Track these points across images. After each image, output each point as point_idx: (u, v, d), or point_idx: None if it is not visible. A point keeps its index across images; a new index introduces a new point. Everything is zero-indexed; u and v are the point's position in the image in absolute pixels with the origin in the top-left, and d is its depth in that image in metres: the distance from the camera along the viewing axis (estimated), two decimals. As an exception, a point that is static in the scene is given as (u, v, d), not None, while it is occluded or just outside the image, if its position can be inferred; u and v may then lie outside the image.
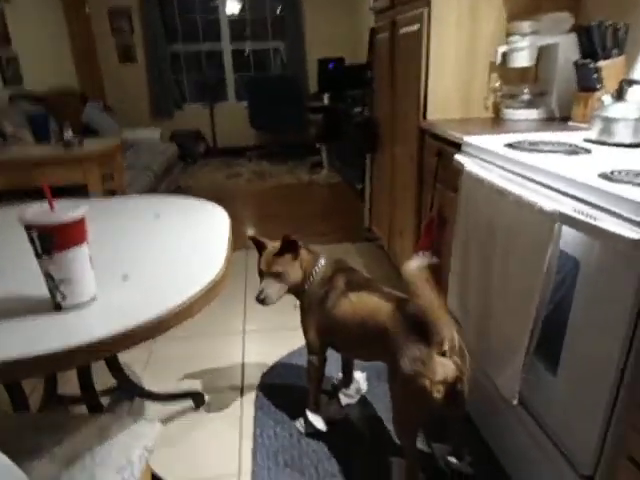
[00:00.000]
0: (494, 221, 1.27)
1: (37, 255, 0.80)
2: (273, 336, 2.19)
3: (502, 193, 1.21)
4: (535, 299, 1.11)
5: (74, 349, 0.74)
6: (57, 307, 0.83)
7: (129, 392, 1.69)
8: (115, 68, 5.87)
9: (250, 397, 1.80)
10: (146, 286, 0.95)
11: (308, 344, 1.53)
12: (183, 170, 5.24)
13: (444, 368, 1.15)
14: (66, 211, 0.80)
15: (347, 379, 1.78)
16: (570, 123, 1.74)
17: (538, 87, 1.92)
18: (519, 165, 1.25)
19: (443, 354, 1.16)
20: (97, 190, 2.34)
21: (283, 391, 1.81)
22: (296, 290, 1.51)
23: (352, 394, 1.77)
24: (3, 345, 0.76)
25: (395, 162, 2.47)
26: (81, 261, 0.82)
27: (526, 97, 1.92)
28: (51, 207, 0.81)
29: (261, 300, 1.45)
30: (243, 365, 1.99)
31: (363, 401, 1.75)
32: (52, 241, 0.78)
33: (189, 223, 1.29)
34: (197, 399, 1.74)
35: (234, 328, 2.28)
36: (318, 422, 1.58)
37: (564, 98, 1.86)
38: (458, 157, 1.53)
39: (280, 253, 1.46)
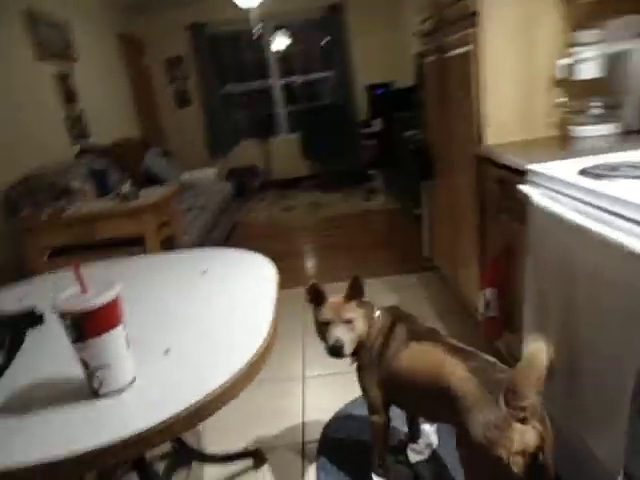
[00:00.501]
0: (574, 264, 1.11)
1: (71, 341, 0.76)
2: (334, 382, 2.08)
3: (581, 231, 1.05)
4: (637, 355, 0.93)
5: (106, 447, 0.69)
6: (95, 393, 0.79)
7: (185, 456, 1.63)
8: (173, 114, 6.17)
9: (312, 453, 1.69)
10: (187, 362, 0.89)
11: (369, 404, 1.41)
12: (240, 206, 5.34)
13: (523, 436, 0.99)
14: (98, 294, 0.76)
15: (414, 433, 1.63)
16: (654, 137, 1.54)
17: (610, 99, 1.73)
18: (598, 197, 1.09)
19: (521, 420, 1.00)
20: (153, 239, 2.38)
21: (346, 447, 1.69)
22: (357, 344, 1.40)
23: (421, 449, 1.62)
24: (35, 442, 0.72)
25: (452, 189, 2.32)
26: (115, 346, 0.77)
27: (596, 111, 1.73)
28: (83, 289, 0.77)
29: (337, 349, 1.32)
30: (303, 416, 1.90)
31: (434, 457, 1.59)
32: (83, 327, 0.74)
33: (235, 280, 1.24)
34: (258, 458, 1.66)
35: (293, 373, 2.20)
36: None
37: (642, 108, 1.66)
38: (523, 188, 1.38)
39: (349, 298, 1.38)
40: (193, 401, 0.76)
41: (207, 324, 1.02)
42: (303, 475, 1.60)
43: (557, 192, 1.26)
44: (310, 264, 3.73)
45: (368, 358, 1.37)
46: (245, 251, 1.45)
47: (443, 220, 2.56)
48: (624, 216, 1.00)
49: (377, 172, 5.31)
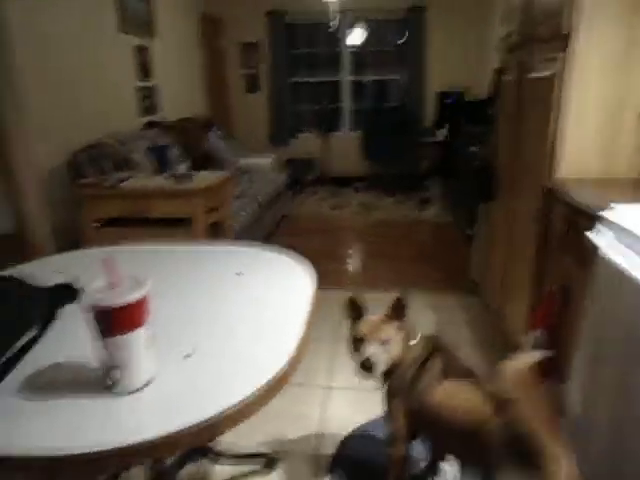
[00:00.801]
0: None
1: (91, 335, 0.75)
2: (357, 397, 2.02)
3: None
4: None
5: (100, 452, 0.67)
6: (108, 389, 0.77)
7: (195, 452, 1.63)
8: (241, 98, 6.24)
9: (323, 465, 1.65)
10: (207, 370, 0.86)
11: (391, 433, 1.35)
12: (291, 198, 5.34)
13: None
14: (126, 291, 0.73)
15: (434, 469, 1.55)
16: None
17: None
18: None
19: None
20: (201, 222, 2.40)
21: (360, 467, 1.64)
22: (388, 368, 1.34)
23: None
24: (42, 431, 0.71)
25: (513, 217, 2.19)
26: (135, 346, 0.75)
27: (689, 158, 1.56)
28: (113, 284, 0.76)
29: (368, 366, 1.27)
30: (321, 426, 1.85)
31: (450, 498, 1.51)
32: (105, 324, 0.72)
33: (271, 287, 1.20)
34: (269, 462, 1.64)
35: (317, 380, 2.16)
36: None
37: None
38: (592, 236, 1.26)
39: (389, 317, 1.33)
40: (206, 416, 0.73)
41: (234, 331, 0.99)
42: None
43: (628, 246, 1.13)
44: (351, 268, 3.67)
45: (399, 384, 1.31)
46: (287, 253, 1.41)
47: (497, 245, 2.42)
48: None
49: (434, 182, 5.14)
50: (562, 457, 0.91)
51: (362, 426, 1.83)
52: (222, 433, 0.76)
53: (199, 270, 1.29)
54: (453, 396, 1.19)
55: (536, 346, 1.66)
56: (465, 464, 1.29)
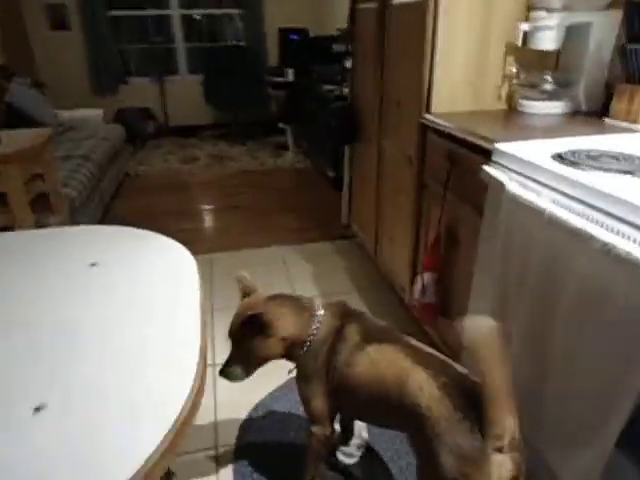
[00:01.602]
0: (559, 268, 0.96)
1: None
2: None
3: (575, 233, 0.90)
4: (633, 381, 0.82)
5: None
6: None
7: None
8: (46, 37, 5.13)
9: (228, 458, 1.46)
10: (71, 426, 0.58)
11: (311, 414, 1.20)
12: (132, 154, 4.69)
13: (500, 469, 0.84)
14: None
15: (347, 434, 1.48)
16: (608, 120, 1.45)
17: (562, 75, 1.61)
18: (586, 191, 0.94)
19: (499, 449, 0.86)
20: (19, 198, 1.87)
21: (266, 450, 1.49)
22: (289, 355, 1.17)
23: (352, 452, 1.47)
24: None
25: (385, 158, 2.13)
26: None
27: (548, 87, 1.61)
28: None
29: (225, 376, 1.18)
30: (216, 415, 1.65)
31: (367, 458, 1.46)
32: None
33: (138, 279, 0.91)
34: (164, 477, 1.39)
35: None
36: None
37: (592, 89, 1.57)
38: (490, 170, 1.21)
39: (245, 329, 1.14)
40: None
41: (102, 357, 0.70)
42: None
43: (528, 178, 1.10)
44: (213, 227, 3.37)
45: (312, 368, 1.15)
46: (147, 233, 1.11)
47: (368, 189, 2.37)
48: (615, 215, 0.87)
49: (288, 126, 4.96)
50: (509, 425, 0.86)
51: (260, 403, 1.67)
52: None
53: (34, 268, 0.93)
54: (379, 364, 1.06)
55: (425, 290, 1.64)
56: (393, 430, 1.20)
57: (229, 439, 1.54)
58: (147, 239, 1.08)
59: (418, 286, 1.67)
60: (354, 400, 1.12)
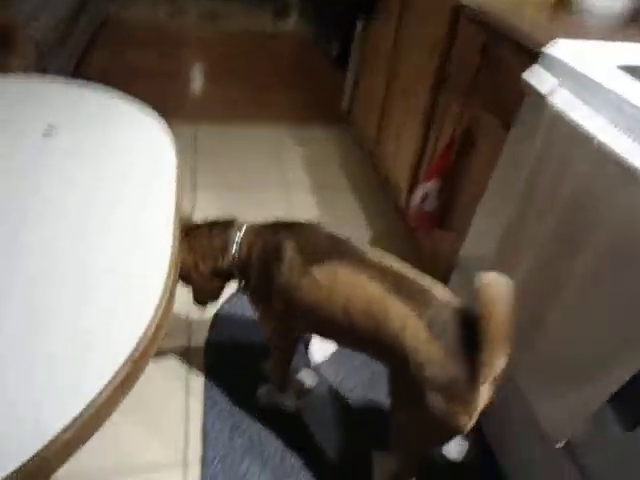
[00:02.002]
0: (597, 209, 0.83)
1: None
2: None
3: (630, 173, 0.76)
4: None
5: None
6: None
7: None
8: None
9: (197, 359, 1.43)
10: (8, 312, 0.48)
11: (269, 339, 1.16)
12: (112, -4, 4.10)
13: (483, 399, 0.81)
14: None
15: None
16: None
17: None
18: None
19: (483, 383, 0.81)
20: None
21: (237, 348, 1.45)
22: (230, 278, 1.11)
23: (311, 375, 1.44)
24: None
25: (403, 40, 1.85)
26: None
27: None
28: None
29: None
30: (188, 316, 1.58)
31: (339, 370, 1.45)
32: None
33: (101, 153, 0.75)
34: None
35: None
36: (287, 400, 1.27)
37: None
38: (532, 78, 1.01)
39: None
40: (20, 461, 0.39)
41: (49, 265, 0.57)
42: (187, 389, 1.34)
43: (583, 95, 0.92)
44: (201, 93, 3.06)
45: (254, 290, 1.07)
46: (121, 96, 0.92)
47: (379, 74, 2.11)
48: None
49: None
50: (501, 364, 0.78)
51: (225, 303, 1.60)
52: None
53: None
54: (333, 288, 0.91)
55: (426, 197, 1.52)
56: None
57: (199, 336, 1.50)
58: (119, 104, 0.90)
59: (419, 193, 1.54)
60: (314, 324, 1.01)
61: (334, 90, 2.85)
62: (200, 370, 1.38)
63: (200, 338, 1.48)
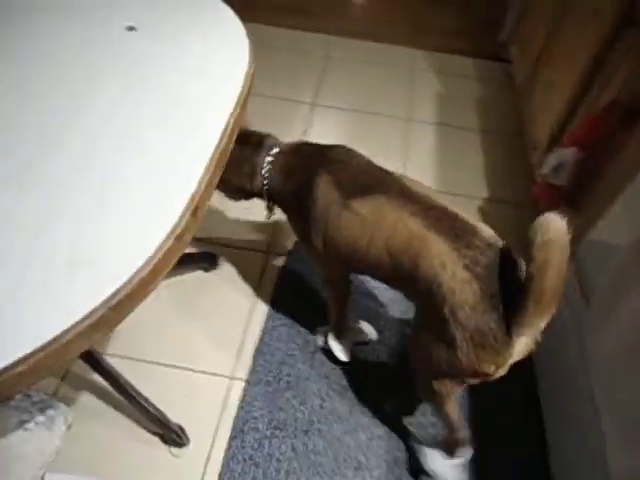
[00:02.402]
0: None
1: None
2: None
3: None
4: None
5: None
6: None
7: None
8: None
9: (269, 283, 1.44)
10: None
11: (321, 277, 1.14)
12: None
13: (518, 352, 0.77)
14: None
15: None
16: None
17: None
18: None
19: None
20: None
21: (311, 281, 1.43)
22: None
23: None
24: None
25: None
26: None
27: None
28: None
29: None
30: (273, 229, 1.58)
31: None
32: None
33: (182, 52, 0.73)
34: (209, 260, 1.43)
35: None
36: (340, 351, 1.24)
37: None
38: None
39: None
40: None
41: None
42: (254, 305, 1.38)
43: None
44: (340, 3, 2.82)
45: (292, 223, 1.05)
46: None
47: (545, 5, 1.73)
48: None
49: None
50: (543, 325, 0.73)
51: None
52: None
53: (60, 27, 0.76)
54: (375, 224, 0.87)
55: (558, 168, 1.26)
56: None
57: (279, 249, 1.51)
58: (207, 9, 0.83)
59: (552, 160, 1.28)
60: (355, 262, 0.95)
61: (497, 16, 2.44)
62: (268, 294, 1.40)
63: (278, 262, 1.49)
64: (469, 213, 0.84)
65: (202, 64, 0.73)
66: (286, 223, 1.09)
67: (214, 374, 1.24)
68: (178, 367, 1.24)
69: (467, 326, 0.76)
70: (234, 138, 0.68)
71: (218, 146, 0.63)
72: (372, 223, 0.87)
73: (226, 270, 1.45)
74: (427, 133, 1.96)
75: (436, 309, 0.80)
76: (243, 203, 1.15)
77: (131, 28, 0.76)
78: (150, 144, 0.62)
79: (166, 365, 1.24)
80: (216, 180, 0.63)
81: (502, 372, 0.80)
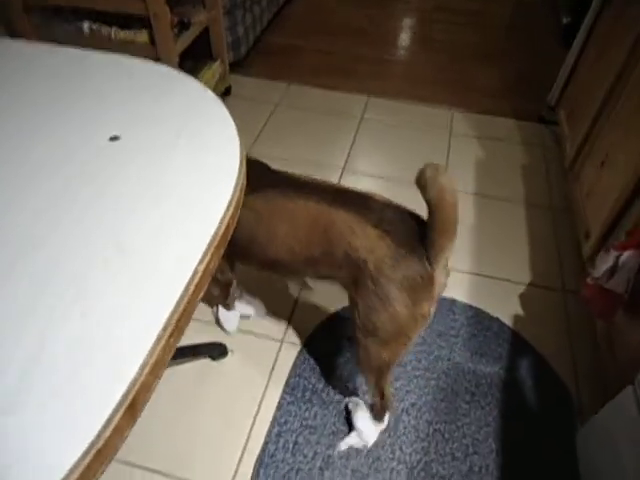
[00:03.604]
0: None
1: None
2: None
3: None
4: None
5: None
6: None
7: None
8: None
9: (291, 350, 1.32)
10: None
11: None
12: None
13: (440, 283, 0.85)
14: None
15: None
16: None
17: None
18: None
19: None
20: (163, 22, 1.58)
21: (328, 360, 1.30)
22: None
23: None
24: None
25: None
26: None
27: None
28: None
29: None
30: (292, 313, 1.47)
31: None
32: None
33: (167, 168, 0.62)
34: (216, 351, 1.32)
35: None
36: (227, 321, 1.35)
37: None
38: None
39: None
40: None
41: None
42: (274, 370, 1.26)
43: None
44: (380, 62, 2.76)
45: None
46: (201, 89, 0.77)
47: (603, 68, 1.57)
48: None
49: None
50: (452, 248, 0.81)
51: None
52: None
53: (35, 138, 0.68)
54: (270, 214, 0.92)
55: (613, 271, 1.08)
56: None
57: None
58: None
59: (606, 261, 1.10)
60: (261, 261, 1.01)
61: (547, 75, 2.29)
62: (278, 392, 1.26)
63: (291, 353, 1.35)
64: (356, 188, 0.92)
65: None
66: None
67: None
68: (169, 476, 1.11)
69: (395, 276, 0.82)
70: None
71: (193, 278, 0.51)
72: (269, 216, 0.92)
73: (235, 359, 1.33)
74: (465, 204, 1.81)
75: (363, 274, 0.85)
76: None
77: (114, 138, 0.68)
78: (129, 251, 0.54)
79: (153, 471, 1.11)
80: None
81: (434, 310, 0.87)
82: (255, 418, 1.21)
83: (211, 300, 1.40)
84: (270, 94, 2.34)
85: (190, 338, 1.33)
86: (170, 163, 0.64)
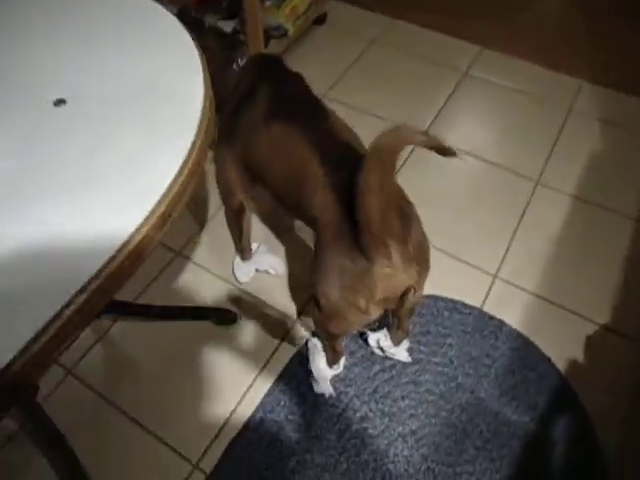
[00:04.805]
0: None
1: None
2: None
3: None
4: None
5: None
6: None
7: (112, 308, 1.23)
8: None
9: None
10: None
11: (222, 187, 1.13)
12: None
13: (391, 282, 0.78)
14: None
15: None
16: None
17: None
18: None
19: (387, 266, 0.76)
20: None
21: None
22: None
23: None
24: None
25: None
26: None
27: None
28: None
29: None
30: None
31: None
32: None
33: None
34: (224, 318, 1.25)
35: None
36: (242, 272, 1.31)
37: None
38: None
39: None
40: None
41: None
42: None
43: None
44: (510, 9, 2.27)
45: (223, 129, 1.04)
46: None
47: None
48: None
49: None
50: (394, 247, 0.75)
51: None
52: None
53: None
54: (279, 147, 0.93)
55: None
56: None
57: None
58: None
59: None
60: (261, 180, 1.01)
61: None
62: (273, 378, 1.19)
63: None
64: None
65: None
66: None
67: (180, 454, 1.08)
68: (148, 431, 1.11)
69: (333, 247, 0.80)
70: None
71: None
72: (278, 147, 0.92)
73: (241, 328, 1.26)
74: (557, 207, 1.49)
75: (317, 233, 0.84)
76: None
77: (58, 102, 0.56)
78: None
79: (133, 421, 1.12)
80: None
81: (377, 310, 0.82)
82: (244, 396, 1.15)
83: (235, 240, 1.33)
84: (369, 28, 2.05)
85: (202, 293, 1.30)
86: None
